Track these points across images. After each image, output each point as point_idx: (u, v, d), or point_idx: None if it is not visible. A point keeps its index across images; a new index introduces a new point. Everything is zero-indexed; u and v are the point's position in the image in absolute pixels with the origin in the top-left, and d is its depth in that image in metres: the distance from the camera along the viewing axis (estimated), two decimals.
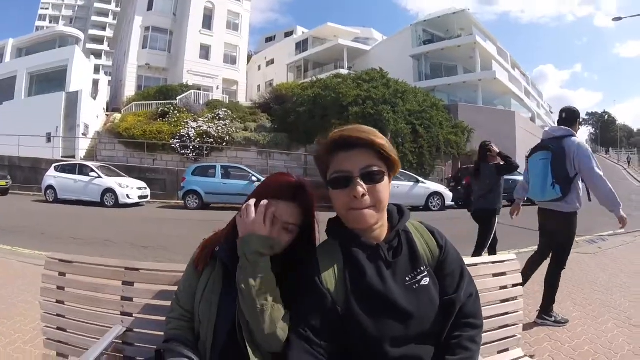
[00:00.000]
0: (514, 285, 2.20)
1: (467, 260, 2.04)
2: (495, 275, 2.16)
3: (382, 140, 1.26)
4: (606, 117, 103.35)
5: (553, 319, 3.90)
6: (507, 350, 2.09)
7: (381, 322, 1.22)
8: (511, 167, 5.65)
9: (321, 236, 1.51)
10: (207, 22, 36.36)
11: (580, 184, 3.80)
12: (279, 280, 1.37)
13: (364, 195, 1.23)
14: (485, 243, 5.56)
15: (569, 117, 4.05)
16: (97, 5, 69.13)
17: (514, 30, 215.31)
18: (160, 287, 1.96)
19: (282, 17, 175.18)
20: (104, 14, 69.27)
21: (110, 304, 2.01)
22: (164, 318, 1.71)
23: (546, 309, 3.94)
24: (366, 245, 1.31)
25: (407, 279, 1.30)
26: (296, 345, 1.22)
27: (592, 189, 3.78)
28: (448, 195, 17.03)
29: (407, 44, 37.91)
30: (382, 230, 1.34)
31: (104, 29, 67.81)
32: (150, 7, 34.89)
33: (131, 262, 2.07)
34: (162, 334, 1.62)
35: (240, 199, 9.69)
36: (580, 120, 4.12)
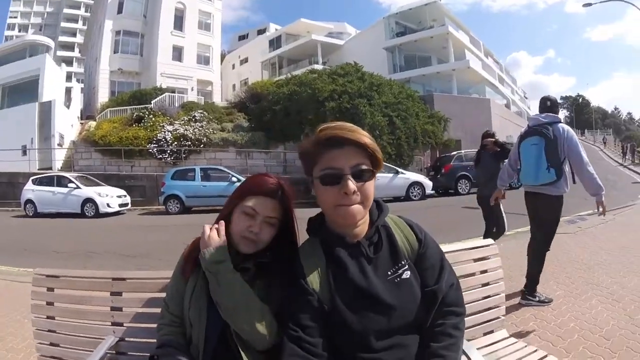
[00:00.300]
0: (494, 269, 2.27)
1: (448, 246, 2.14)
2: (476, 260, 2.22)
3: (369, 139, 1.29)
4: (580, 100, 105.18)
5: (537, 298, 4.03)
6: (492, 332, 2.16)
7: (365, 316, 1.26)
8: (506, 153, 5.70)
9: (301, 234, 1.56)
10: (179, 23, 35.88)
11: (566, 168, 3.91)
12: (261, 276, 1.47)
13: (354, 192, 1.25)
14: (490, 226, 5.78)
15: (553, 104, 4.20)
16: (66, 11, 67.65)
17: (486, 19, 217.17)
18: (148, 295, 1.98)
19: (254, 15, 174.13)
20: (74, 19, 67.80)
21: (100, 315, 2.03)
22: (154, 325, 1.74)
23: (531, 289, 4.07)
24: (347, 243, 1.34)
25: (389, 273, 1.33)
26: (288, 346, 1.25)
27: (578, 174, 3.89)
28: (428, 184, 17.30)
29: (381, 37, 38.14)
30: (363, 226, 1.37)
31: (74, 35, 66.43)
32: (120, 10, 34.31)
33: (117, 272, 2.09)
34: (154, 341, 1.64)
35: (222, 201, 9.75)
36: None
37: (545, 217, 4.12)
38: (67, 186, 15.64)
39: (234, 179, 15.79)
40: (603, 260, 5.47)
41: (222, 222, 1.50)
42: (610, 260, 5.45)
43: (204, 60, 37.58)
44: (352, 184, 1.25)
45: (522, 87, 78.10)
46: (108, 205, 15.26)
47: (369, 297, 1.28)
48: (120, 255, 7.68)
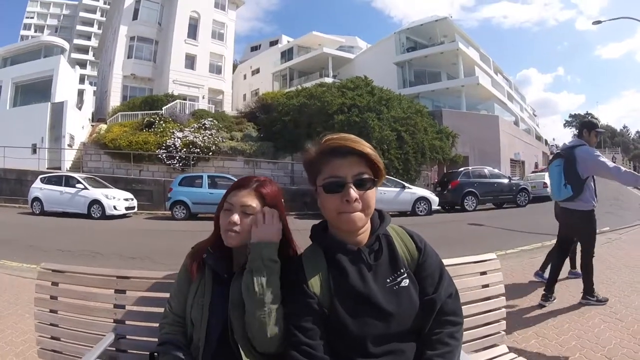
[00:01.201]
0: (495, 284, 2.29)
1: (450, 260, 2.13)
2: (477, 274, 2.25)
3: (371, 149, 1.35)
4: (589, 118, 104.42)
5: (595, 298, 4.46)
6: (492, 346, 2.17)
7: (364, 321, 1.30)
8: None
9: (304, 242, 1.59)
10: (192, 31, 35.97)
11: (590, 185, 4.42)
12: None
13: (356, 199, 1.31)
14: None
15: (580, 129, 4.78)
16: (82, 14, 68.72)
17: (497, 35, 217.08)
18: (152, 294, 2.03)
19: (267, 26, 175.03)
20: (89, 23, 68.86)
21: (102, 312, 2.06)
22: (156, 324, 1.77)
23: (588, 291, 4.50)
24: (348, 250, 1.38)
25: (388, 280, 1.37)
26: (289, 348, 1.30)
27: (614, 179, 4.32)
28: (434, 200, 17.19)
29: (391, 52, 38.31)
30: (365, 234, 1.42)
31: (89, 38, 67.42)
32: (135, 17, 34.52)
33: (122, 271, 2.13)
34: (155, 340, 1.68)
35: None
36: (598, 130, 4.69)
37: (576, 230, 4.66)
38: (75, 186, 15.77)
39: None
40: (608, 278, 5.48)
41: (276, 212, 1.54)
42: (614, 278, 5.46)
43: (216, 69, 37.65)
44: (353, 192, 1.31)
45: (532, 104, 78.12)
46: (115, 207, 15.35)
47: (367, 303, 1.32)
48: (123, 257, 7.73)
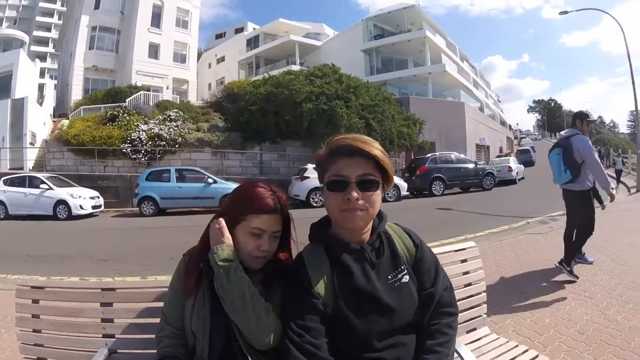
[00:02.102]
0: (475, 270, 2.38)
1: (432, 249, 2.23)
2: (458, 262, 2.33)
3: (380, 152, 1.35)
4: (552, 104, 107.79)
5: (569, 269, 4.92)
6: (474, 329, 2.27)
7: (368, 318, 1.33)
8: None
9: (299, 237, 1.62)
10: (156, 19, 35.09)
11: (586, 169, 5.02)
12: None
13: (357, 199, 1.31)
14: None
15: (573, 119, 5.41)
16: (42, 4, 65.44)
17: (463, 23, 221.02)
18: (140, 305, 1.96)
19: (232, 12, 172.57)
20: (49, 14, 65.68)
21: (90, 327, 1.98)
22: (148, 336, 1.75)
23: (567, 261, 5.00)
24: (352, 248, 1.40)
25: (390, 277, 1.41)
26: (293, 348, 1.29)
27: (591, 172, 5.01)
28: (403, 185, 17.46)
29: (359, 39, 38.48)
30: (367, 234, 1.44)
31: (49, 29, 64.46)
32: (97, 6, 33.39)
33: (106, 282, 2.05)
34: (149, 352, 1.67)
35: (197, 202, 9.66)
36: (589, 119, 5.33)
37: (577, 208, 5.15)
38: (39, 187, 15.04)
39: (210, 180, 15.61)
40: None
41: (222, 220, 1.49)
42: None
43: (180, 58, 36.91)
44: (355, 192, 1.31)
45: (496, 90, 80.00)
46: (81, 207, 14.77)
47: (372, 300, 1.35)
48: (95, 260, 7.47)
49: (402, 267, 1.44)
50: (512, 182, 22.72)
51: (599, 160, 5.12)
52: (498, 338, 2.29)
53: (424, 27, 37.20)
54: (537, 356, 2.11)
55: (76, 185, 16.49)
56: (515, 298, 4.30)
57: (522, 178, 24.90)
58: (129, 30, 34.12)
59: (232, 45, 48.34)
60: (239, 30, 53.64)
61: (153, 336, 1.71)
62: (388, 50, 38.24)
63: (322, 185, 1.43)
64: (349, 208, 1.33)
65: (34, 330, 2.01)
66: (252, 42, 46.29)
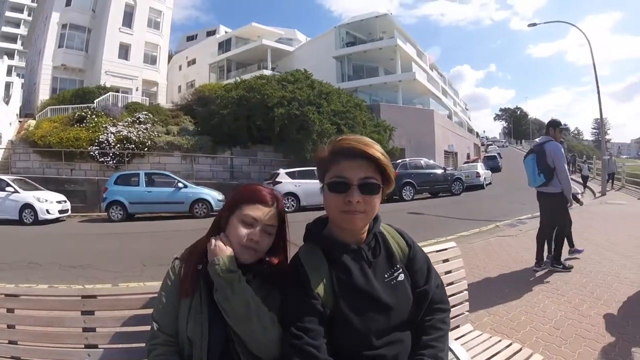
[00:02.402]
0: (457, 269, 2.48)
1: None
2: (440, 262, 2.40)
3: (382, 155, 1.37)
4: (518, 112, 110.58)
5: (562, 266, 5.43)
6: (458, 326, 2.36)
7: (368, 316, 1.35)
8: None
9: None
10: (128, 19, 34.34)
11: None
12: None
13: (358, 202, 1.33)
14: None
15: (547, 127, 5.86)
16: None
17: (434, 32, 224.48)
18: (123, 312, 1.86)
19: (204, 15, 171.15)
20: (19, 9, 62.75)
21: (71, 337, 1.85)
22: (134, 345, 1.71)
23: (557, 260, 5.50)
24: (350, 248, 1.42)
25: (386, 276, 1.44)
26: (292, 352, 1.30)
27: (558, 177, 5.41)
28: None
29: (331, 46, 38.78)
30: (364, 234, 1.47)
31: (18, 26, 62.00)
32: (68, 3, 32.42)
33: (87, 290, 1.98)
34: None
35: (167, 207, 9.63)
36: (561, 127, 5.80)
37: (551, 209, 5.61)
38: (4, 190, 14.34)
39: (180, 184, 15.34)
40: (546, 259, 5.87)
41: (224, 234, 1.49)
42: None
43: (150, 59, 36.19)
44: (357, 195, 1.33)
45: (464, 98, 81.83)
46: (48, 211, 14.16)
47: (371, 298, 1.37)
48: (64, 267, 7.23)
49: (398, 266, 1.48)
50: (480, 187, 23.31)
51: (567, 169, 5.54)
52: (481, 334, 2.38)
53: (395, 36, 37.81)
54: (520, 349, 2.20)
55: (43, 188, 15.81)
56: (490, 297, 4.45)
57: (490, 183, 25.57)
58: (100, 29, 33.34)
59: (204, 48, 47.96)
60: (211, 33, 53.30)
61: (139, 345, 1.70)
62: (360, 58, 38.64)
63: (322, 184, 1.44)
64: (350, 210, 1.35)
65: (10, 342, 1.87)
66: (224, 46, 46.03)
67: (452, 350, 1.80)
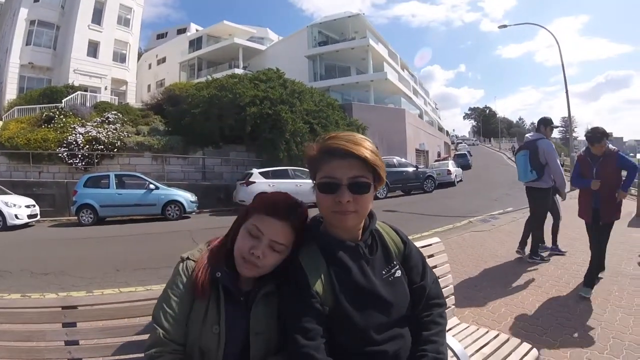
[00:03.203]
0: (442, 264, 2.56)
1: None
2: (425, 256, 2.42)
3: (371, 154, 1.35)
4: (487, 111, 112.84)
5: (540, 257, 5.79)
6: None
7: (368, 313, 1.36)
8: None
9: None
10: (97, 16, 33.44)
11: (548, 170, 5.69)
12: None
13: (348, 202, 1.32)
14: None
15: (538, 125, 6.11)
16: None
17: (405, 33, 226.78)
18: (107, 323, 1.77)
19: (175, 12, 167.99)
20: None
21: (53, 352, 1.74)
22: (120, 357, 1.65)
23: (534, 252, 5.85)
24: (347, 246, 1.42)
25: (384, 272, 1.46)
26: (291, 352, 1.30)
27: (552, 172, 5.68)
28: None
29: (303, 45, 38.84)
30: (359, 232, 1.47)
31: None
32: None
33: (67, 299, 1.89)
34: None
35: (139, 210, 9.61)
36: (552, 125, 6.09)
37: (538, 203, 5.92)
38: None
39: (151, 186, 15.10)
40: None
41: None
42: (526, 250, 6.15)
43: (120, 57, 35.37)
44: (346, 195, 1.32)
45: (434, 98, 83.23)
46: (16, 216, 13.50)
47: (370, 295, 1.38)
48: (35, 274, 7.01)
49: (394, 263, 1.50)
50: (451, 184, 23.74)
51: (560, 164, 5.85)
52: (468, 326, 2.46)
53: (367, 36, 38.03)
54: (508, 339, 2.28)
55: (11, 192, 15.17)
56: (469, 291, 4.60)
57: (460, 180, 26.06)
58: (69, 26, 32.48)
59: (174, 46, 47.32)
60: (182, 31, 52.63)
61: (126, 357, 1.67)
62: (332, 57, 38.85)
63: (314, 183, 1.43)
64: (340, 210, 1.34)
65: None
66: (195, 44, 45.59)
67: (447, 344, 1.84)
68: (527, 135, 6.29)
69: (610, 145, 4.54)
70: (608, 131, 4.50)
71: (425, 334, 1.45)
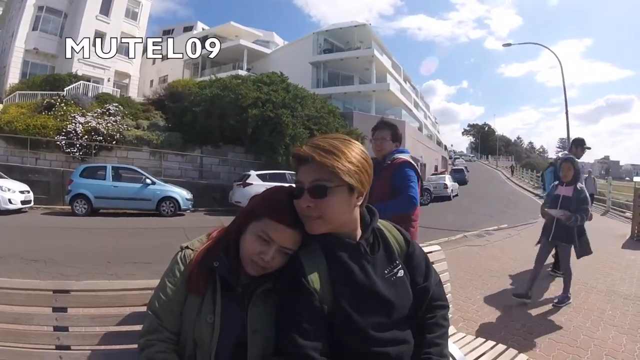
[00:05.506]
0: (441, 272, 2.44)
1: None
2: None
3: (328, 157, 1.29)
4: (486, 128, 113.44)
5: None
6: None
7: (369, 313, 1.32)
8: None
9: None
10: (106, 7, 33.47)
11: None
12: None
13: (308, 206, 1.30)
14: None
15: (570, 144, 6.39)
16: None
17: (410, 45, 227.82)
18: (100, 311, 1.71)
19: (183, 9, 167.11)
20: None
21: (41, 337, 1.66)
22: (110, 347, 1.60)
23: (556, 265, 5.88)
24: (348, 245, 1.39)
25: (386, 272, 1.42)
26: (290, 353, 1.27)
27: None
28: None
29: (308, 51, 38.85)
30: (357, 230, 1.44)
31: None
32: None
33: (59, 283, 1.77)
34: None
35: (133, 204, 9.50)
36: (585, 146, 6.18)
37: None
38: None
39: (148, 180, 15.05)
40: (512, 268, 6.36)
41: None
42: (518, 268, 6.29)
43: (124, 50, 35.65)
44: (306, 199, 1.30)
45: (434, 112, 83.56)
46: (10, 201, 13.42)
47: (372, 294, 1.35)
48: (25, 260, 6.98)
49: (397, 262, 1.46)
50: (447, 198, 23.81)
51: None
52: (466, 336, 2.47)
53: (372, 46, 38.24)
54: (505, 350, 2.28)
55: (6, 176, 15.06)
56: (462, 304, 4.62)
57: (457, 195, 26.08)
58: (77, 14, 32.38)
59: (180, 43, 47.25)
60: (188, 29, 52.35)
61: (119, 347, 1.62)
62: (336, 65, 38.97)
63: None
64: (303, 215, 1.33)
65: None
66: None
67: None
68: (559, 154, 6.73)
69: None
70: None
71: (429, 337, 1.42)
